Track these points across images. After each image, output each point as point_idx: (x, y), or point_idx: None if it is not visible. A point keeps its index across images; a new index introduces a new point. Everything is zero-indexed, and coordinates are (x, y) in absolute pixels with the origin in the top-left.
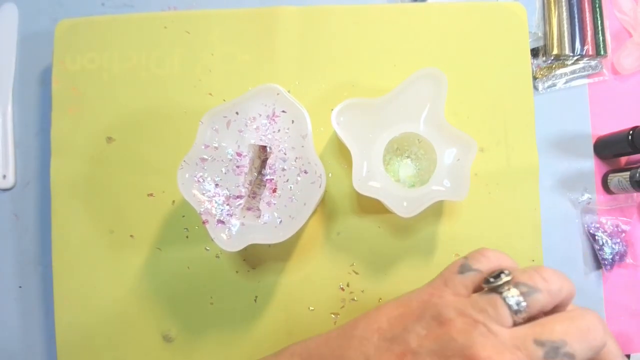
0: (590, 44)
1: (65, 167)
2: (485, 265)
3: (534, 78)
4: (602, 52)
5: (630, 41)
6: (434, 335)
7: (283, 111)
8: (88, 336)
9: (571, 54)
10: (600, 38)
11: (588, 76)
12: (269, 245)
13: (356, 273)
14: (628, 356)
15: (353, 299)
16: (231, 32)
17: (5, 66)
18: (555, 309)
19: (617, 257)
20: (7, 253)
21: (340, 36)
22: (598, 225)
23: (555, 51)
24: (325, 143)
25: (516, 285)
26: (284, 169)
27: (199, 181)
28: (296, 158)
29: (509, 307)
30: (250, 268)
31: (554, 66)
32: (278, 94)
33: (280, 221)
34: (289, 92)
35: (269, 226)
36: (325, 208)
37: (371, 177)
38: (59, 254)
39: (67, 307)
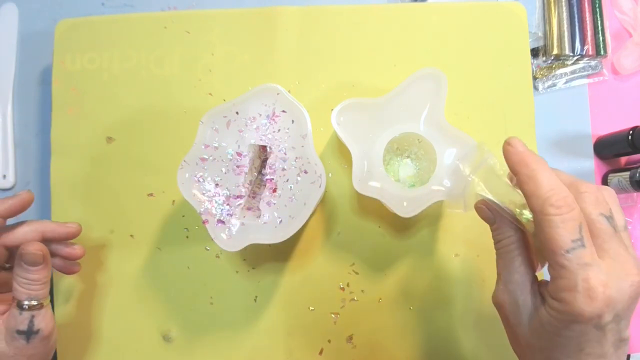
0: (590, 44)
1: (65, 167)
2: None
3: (534, 78)
4: (602, 52)
5: (630, 41)
6: None
7: (283, 111)
8: (88, 336)
9: (571, 54)
10: (600, 38)
11: (588, 76)
12: (269, 245)
13: (356, 273)
14: (628, 357)
15: (353, 299)
16: (231, 32)
17: (5, 66)
18: None
19: None
20: None
21: (340, 36)
22: None
23: (555, 51)
24: (325, 143)
25: None
26: (284, 169)
27: (199, 181)
28: (296, 158)
29: None
30: (250, 268)
31: (554, 66)
32: (278, 94)
33: (280, 221)
34: (289, 92)
35: (269, 226)
36: (325, 208)
37: (371, 177)
38: None
39: (67, 307)
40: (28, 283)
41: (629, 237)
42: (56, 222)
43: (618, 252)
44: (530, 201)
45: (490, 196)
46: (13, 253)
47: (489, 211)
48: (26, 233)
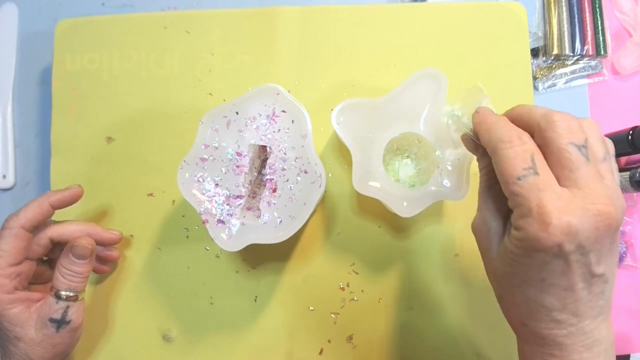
0: (590, 44)
1: (65, 167)
2: None
3: (534, 78)
4: (602, 52)
5: (630, 41)
6: None
7: (283, 111)
8: (88, 336)
9: (571, 54)
10: (600, 38)
11: (588, 76)
12: (269, 245)
13: (356, 273)
14: (628, 356)
15: (353, 299)
16: (231, 32)
17: (5, 66)
18: None
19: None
20: None
21: (340, 36)
22: None
23: (555, 51)
24: (325, 143)
25: None
26: (284, 169)
27: (199, 181)
28: (296, 158)
29: None
30: (250, 268)
31: (554, 66)
32: (278, 94)
33: (280, 221)
34: (289, 92)
35: (269, 226)
36: (325, 208)
37: (371, 177)
38: None
39: None
40: (71, 275)
41: (609, 168)
42: (101, 227)
43: (587, 181)
44: (487, 148)
45: (469, 127)
46: (55, 248)
47: (472, 141)
48: (75, 230)
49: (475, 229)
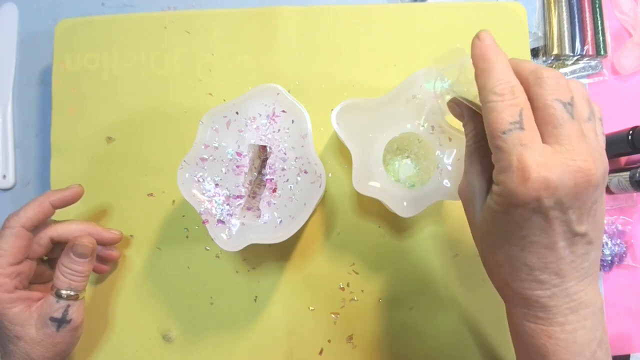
0: (590, 44)
1: (65, 167)
2: None
3: None
4: (602, 52)
5: (630, 41)
6: None
7: (283, 111)
8: (88, 336)
9: (571, 54)
10: (600, 38)
11: (588, 76)
12: (269, 245)
13: (356, 273)
14: (628, 356)
15: (353, 299)
16: (231, 32)
17: (5, 66)
18: None
19: (616, 259)
20: None
21: (340, 36)
22: None
23: (555, 51)
24: (325, 143)
25: None
26: (284, 169)
27: (199, 181)
28: (296, 158)
29: None
30: (250, 268)
31: (554, 66)
32: (278, 93)
33: (280, 221)
34: (289, 92)
35: (269, 226)
36: (325, 208)
37: (371, 177)
38: None
39: None
40: (71, 274)
41: (593, 129)
42: (102, 227)
43: (570, 138)
44: (480, 94)
45: (455, 92)
46: (55, 247)
47: (457, 107)
48: (75, 230)
49: (461, 192)
